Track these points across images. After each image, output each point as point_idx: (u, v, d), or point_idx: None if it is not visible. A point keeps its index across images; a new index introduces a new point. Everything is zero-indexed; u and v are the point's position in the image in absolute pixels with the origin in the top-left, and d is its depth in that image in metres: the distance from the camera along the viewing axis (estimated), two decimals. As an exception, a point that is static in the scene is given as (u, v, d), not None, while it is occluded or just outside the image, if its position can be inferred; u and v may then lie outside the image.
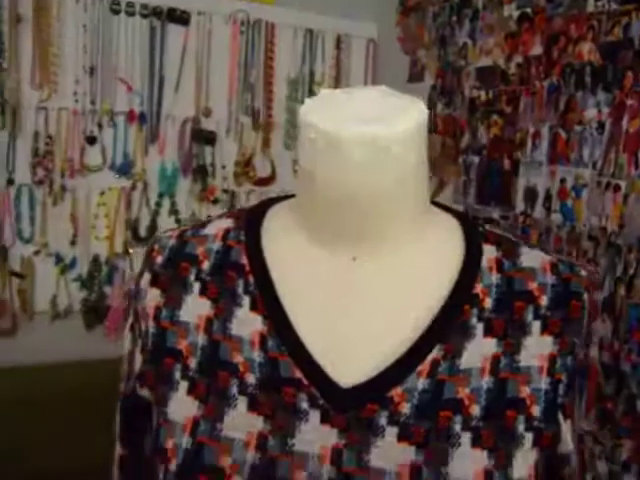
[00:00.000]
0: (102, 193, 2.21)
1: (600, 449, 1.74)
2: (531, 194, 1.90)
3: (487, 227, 0.61)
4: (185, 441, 0.53)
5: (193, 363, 0.55)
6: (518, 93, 1.91)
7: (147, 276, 0.60)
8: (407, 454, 0.50)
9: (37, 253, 2.17)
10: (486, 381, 0.53)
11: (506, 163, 1.97)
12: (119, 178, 2.23)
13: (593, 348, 1.75)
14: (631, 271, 1.63)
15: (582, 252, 1.76)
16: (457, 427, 0.51)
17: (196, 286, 0.58)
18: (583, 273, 0.57)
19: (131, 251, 2.22)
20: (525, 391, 0.53)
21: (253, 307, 0.56)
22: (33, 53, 2.07)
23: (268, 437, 0.51)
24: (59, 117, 2.13)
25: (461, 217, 0.61)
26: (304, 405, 0.52)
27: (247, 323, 0.55)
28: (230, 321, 0.56)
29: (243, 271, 0.57)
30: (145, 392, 0.58)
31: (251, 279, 0.57)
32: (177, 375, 0.55)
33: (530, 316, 0.55)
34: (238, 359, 0.54)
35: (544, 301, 0.55)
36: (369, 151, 0.52)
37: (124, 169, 2.23)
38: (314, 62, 2.43)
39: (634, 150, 1.61)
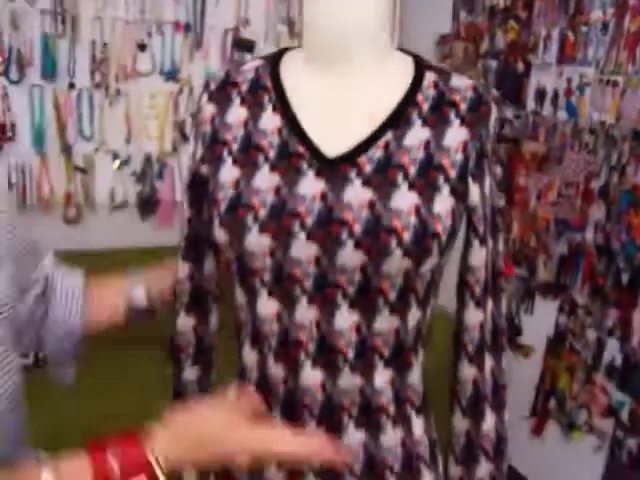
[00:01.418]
0: (152, 96, 2.45)
1: (590, 320, 1.96)
2: (540, 94, 2.06)
3: (430, 62, 0.84)
4: (230, 192, 0.80)
5: (235, 147, 0.82)
6: (533, -2, 2.05)
7: (205, 96, 0.87)
8: (366, 194, 0.76)
9: (97, 150, 2.44)
10: (420, 154, 0.78)
11: (520, 66, 2.12)
12: (167, 82, 2.47)
13: (588, 232, 1.94)
14: (624, 160, 1.80)
15: (584, 145, 1.93)
16: (399, 179, 0.76)
17: (237, 100, 0.85)
18: (493, 92, 0.80)
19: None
20: (446, 161, 0.78)
21: (274, 111, 0.82)
22: (89, -35, 2.28)
23: (281, 187, 0.78)
24: (113, 26, 2.36)
25: (414, 55, 0.84)
26: (304, 167, 0.78)
27: (270, 121, 0.82)
28: (259, 120, 0.82)
29: (267, 90, 0.84)
30: (204, 168, 0.86)
31: (273, 94, 0.83)
32: (225, 154, 0.83)
33: (453, 115, 0.79)
34: (264, 143, 0.81)
35: (463, 107, 0.80)
36: (342, 2, 0.78)
37: (171, 74, 2.46)
38: (346, -27, 2.57)
39: (633, 48, 1.76)
